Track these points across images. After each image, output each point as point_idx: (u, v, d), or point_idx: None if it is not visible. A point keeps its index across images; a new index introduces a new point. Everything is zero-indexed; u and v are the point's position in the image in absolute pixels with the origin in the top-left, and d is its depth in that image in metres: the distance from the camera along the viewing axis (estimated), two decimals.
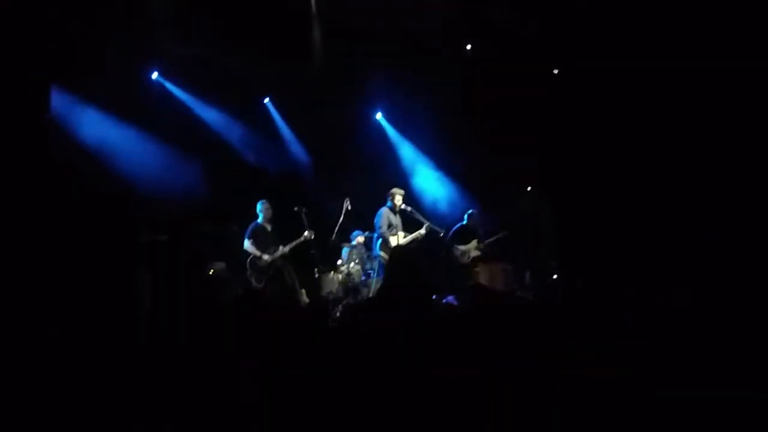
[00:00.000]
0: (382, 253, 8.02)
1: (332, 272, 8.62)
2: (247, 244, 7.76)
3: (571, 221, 9.47)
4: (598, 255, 8.44)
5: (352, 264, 8.52)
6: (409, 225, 8.27)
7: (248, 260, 7.72)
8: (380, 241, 8.09)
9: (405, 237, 8.12)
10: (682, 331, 3.04)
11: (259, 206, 7.94)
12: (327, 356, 2.75)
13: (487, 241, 8.78)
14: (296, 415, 2.39)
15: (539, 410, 2.31)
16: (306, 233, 7.85)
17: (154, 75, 8.78)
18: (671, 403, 2.35)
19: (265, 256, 7.73)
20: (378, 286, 7.87)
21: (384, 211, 8.16)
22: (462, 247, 8.73)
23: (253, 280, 7.64)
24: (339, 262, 8.59)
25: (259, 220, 7.92)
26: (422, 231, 8.08)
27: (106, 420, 2.05)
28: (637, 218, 8.37)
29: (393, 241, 8.00)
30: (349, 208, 8.34)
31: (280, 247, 7.86)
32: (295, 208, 7.97)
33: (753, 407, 2.27)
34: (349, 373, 2.56)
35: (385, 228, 8.07)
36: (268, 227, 7.92)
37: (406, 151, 10.84)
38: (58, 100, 7.51)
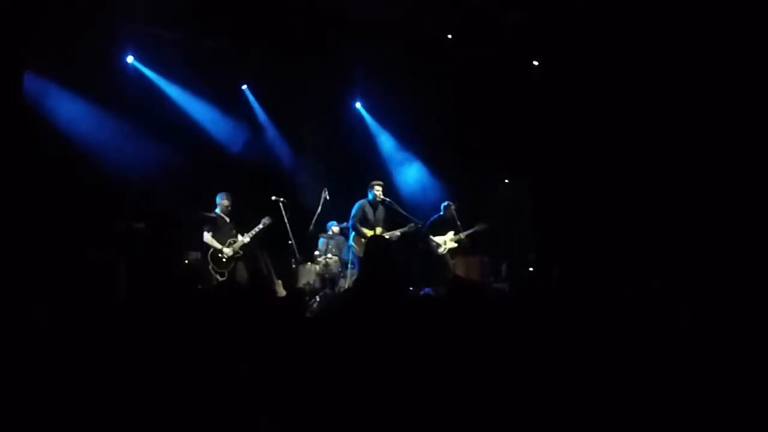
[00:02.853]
0: (353, 245, 7.96)
1: (309, 263, 8.60)
2: (207, 237, 7.54)
3: (550, 212, 9.56)
4: (576, 246, 8.53)
5: (329, 254, 8.50)
6: (389, 218, 8.22)
7: (209, 253, 7.51)
8: (352, 232, 8.04)
9: (382, 233, 7.97)
10: (655, 320, 3.10)
11: (218, 198, 7.76)
12: (303, 347, 2.74)
13: (463, 232, 8.80)
14: (272, 405, 2.39)
15: (517, 401, 2.34)
16: (264, 219, 7.75)
17: (130, 59, 8.63)
18: (647, 389, 2.40)
19: (226, 249, 7.57)
20: (354, 276, 7.86)
21: (362, 203, 8.08)
22: (438, 239, 8.73)
23: (216, 275, 7.44)
24: (316, 252, 8.57)
25: (217, 210, 7.72)
26: (397, 233, 8.03)
27: (82, 408, 2.04)
28: (614, 210, 8.48)
29: (366, 234, 7.85)
30: (327, 197, 8.29)
31: (239, 237, 7.70)
32: (273, 198, 7.90)
33: (725, 387, 2.34)
34: (326, 365, 2.56)
35: (357, 219, 7.99)
36: (227, 218, 7.72)
37: (385, 141, 10.83)
38: (30, 85, 7.35)
